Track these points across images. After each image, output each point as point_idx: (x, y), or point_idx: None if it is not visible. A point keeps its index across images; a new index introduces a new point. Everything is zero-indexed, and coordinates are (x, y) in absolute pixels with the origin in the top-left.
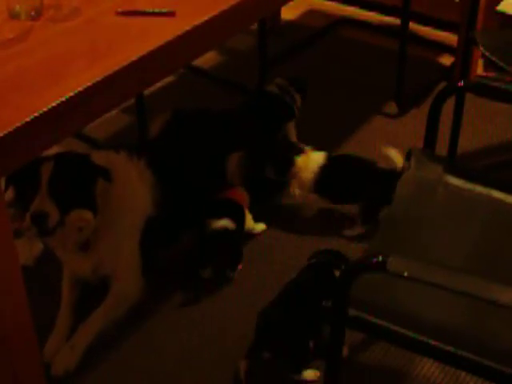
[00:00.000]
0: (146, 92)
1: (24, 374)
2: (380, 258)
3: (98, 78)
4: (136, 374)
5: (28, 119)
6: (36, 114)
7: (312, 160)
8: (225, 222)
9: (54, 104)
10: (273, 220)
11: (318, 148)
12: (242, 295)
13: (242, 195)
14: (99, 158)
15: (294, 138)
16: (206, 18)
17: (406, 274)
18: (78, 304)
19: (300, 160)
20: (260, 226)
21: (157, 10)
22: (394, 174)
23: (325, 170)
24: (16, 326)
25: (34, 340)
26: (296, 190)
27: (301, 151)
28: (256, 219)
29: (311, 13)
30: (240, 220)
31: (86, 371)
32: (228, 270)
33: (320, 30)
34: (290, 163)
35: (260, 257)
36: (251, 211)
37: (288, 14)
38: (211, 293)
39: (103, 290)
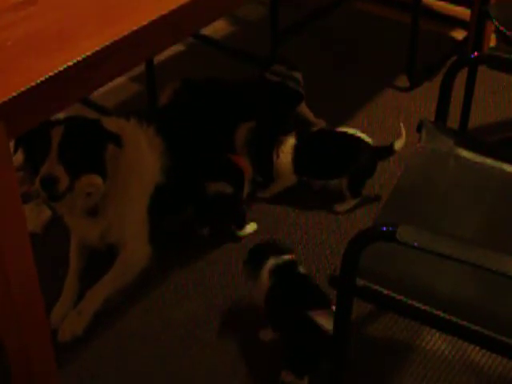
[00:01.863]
0: (156, 61)
1: (32, 340)
2: (390, 228)
3: (109, 42)
4: (142, 341)
5: (38, 82)
6: (46, 77)
7: (286, 144)
8: (221, 186)
9: (63, 67)
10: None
11: (329, 122)
12: None
13: (244, 163)
14: (109, 123)
15: (311, 117)
16: None
17: (415, 244)
18: (85, 271)
19: (277, 148)
20: (251, 227)
21: None
22: (373, 147)
23: (299, 150)
24: (24, 292)
25: (42, 306)
26: (281, 179)
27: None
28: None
29: None
30: (239, 183)
31: (92, 337)
32: (234, 229)
33: (332, 2)
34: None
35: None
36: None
37: None
38: (219, 261)
39: (111, 257)
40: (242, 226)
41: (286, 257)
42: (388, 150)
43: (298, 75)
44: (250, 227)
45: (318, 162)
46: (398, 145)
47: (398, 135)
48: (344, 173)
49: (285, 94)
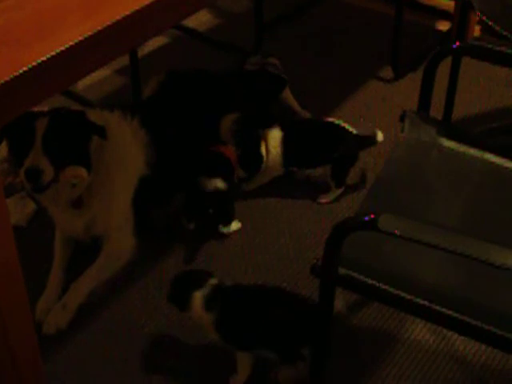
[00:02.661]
0: (140, 53)
1: (15, 333)
2: (372, 216)
3: (90, 33)
4: (127, 333)
5: (19, 73)
6: (26, 69)
7: (274, 138)
8: (216, 182)
9: (44, 58)
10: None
11: (314, 113)
12: (237, 256)
13: (231, 152)
14: (94, 115)
15: (295, 104)
16: None
17: (397, 233)
18: (69, 264)
19: (265, 143)
20: (235, 225)
21: None
22: (356, 137)
23: (285, 141)
24: (7, 285)
25: (26, 299)
26: (268, 171)
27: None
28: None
29: None
30: (230, 176)
31: (77, 330)
32: (221, 226)
33: None
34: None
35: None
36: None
37: None
38: (204, 253)
39: (95, 249)
40: (229, 223)
41: (210, 282)
42: (371, 140)
43: (276, 61)
44: (235, 225)
45: (303, 152)
46: (381, 135)
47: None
48: (328, 161)
49: (268, 80)
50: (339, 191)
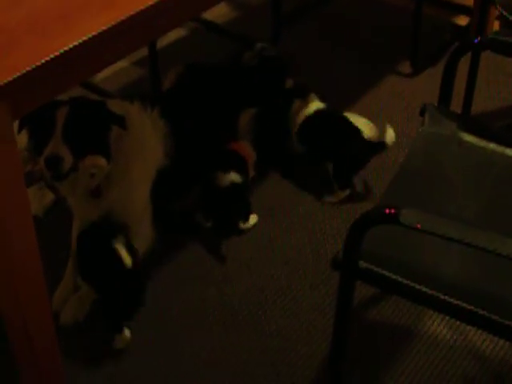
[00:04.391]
0: (159, 45)
1: (34, 323)
2: (393, 210)
3: (111, 24)
4: (143, 325)
5: (42, 62)
6: (50, 58)
7: (308, 107)
8: (232, 176)
9: (68, 48)
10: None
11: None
12: (254, 250)
13: (247, 150)
14: (114, 105)
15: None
16: None
17: (419, 227)
18: None
19: (298, 103)
20: (253, 219)
21: None
22: (370, 144)
23: (309, 120)
24: (27, 275)
25: (44, 289)
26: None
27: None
28: None
29: None
30: (244, 170)
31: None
32: (240, 222)
33: None
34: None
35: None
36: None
37: None
38: (222, 247)
39: None
40: (247, 218)
41: None
42: (380, 146)
43: (267, 45)
44: (252, 219)
45: (315, 138)
46: (389, 138)
47: (384, 131)
48: (329, 158)
49: (273, 68)
50: (344, 194)
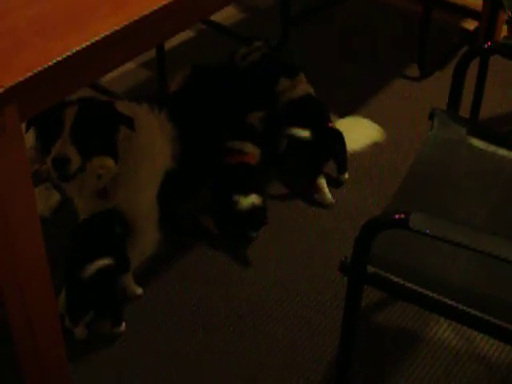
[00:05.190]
0: (167, 47)
1: (39, 324)
2: (402, 215)
3: (121, 25)
4: (148, 327)
5: (51, 64)
6: (59, 59)
7: (294, 90)
8: (253, 199)
9: (76, 49)
10: None
11: (339, 110)
12: (262, 254)
13: (251, 156)
14: (122, 107)
15: (310, 89)
16: None
17: (428, 232)
18: None
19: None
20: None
21: None
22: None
23: (292, 104)
24: (33, 276)
25: (51, 290)
26: None
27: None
28: None
29: None
30: (262, 186)
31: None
32: (251, 231)
33: None
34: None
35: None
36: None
37: None
38: (229, 250)
39: None
40: (259, 229)
41: None
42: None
43: (259, 43)
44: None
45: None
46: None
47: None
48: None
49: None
50: (321, 184)
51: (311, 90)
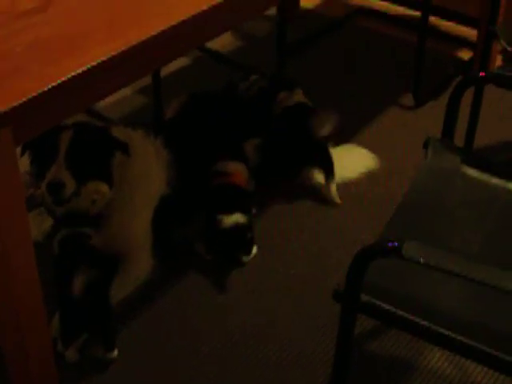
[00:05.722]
0: (163, 74)
1: (33, 348)
2: (395, 244)
3: (117, 51)
4: (143, 353)
5: (46, 88)
6: (54, 84)
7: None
8: (237, 217)
9: (72, 74)
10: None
11: (334, 138)
12: (255, 279)
13: (239, 175)
14: (117, 132)
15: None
16: None
17: (422, 261)
18: None
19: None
20: (254, 250)
21: None
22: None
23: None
24: (26, 300)
25: (44, 313)
26: None
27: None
28: None
29: (330, 2)
30: (249, 208)
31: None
32: (242, 256)
33: (338, 20)
34: None
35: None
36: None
37: (307, 2)
38: (222, 276)
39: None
40: (249, 252)
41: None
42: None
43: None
44: (253, 250)
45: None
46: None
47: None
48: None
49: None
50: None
51: (307, 101)
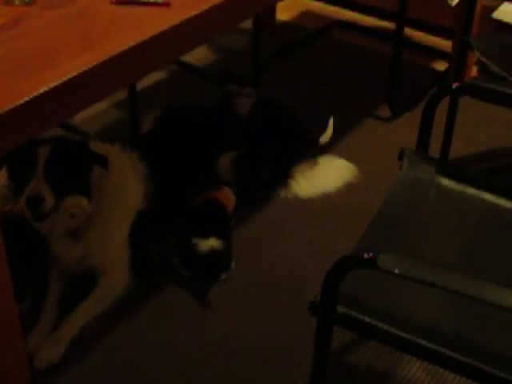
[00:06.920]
0: (139, 87)
1: (8, 365)
2: (371, 254)
3: (91, 65)
4: (120, 368)
5: (20, 103)
6: (26, 99)
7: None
8: (213, 242)
9: (45, 89)
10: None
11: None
12: (233, 293)
13: (228, 196)
14: (95, 146)
15: None
16: (200, 9)
17: (397, 271)
18: (63, 297)
19: None
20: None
21: (152, 0)
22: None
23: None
24: (1, 316)
25: (19, 331)
26: None
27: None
28: None
29: (306, 14)
30: (226, 232)
31: (69, 364)
32: (220, 274)
33: (314, 32)
34: None
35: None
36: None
37: (283, 14)
38: (199, 291)
39: (90, 284)
40: (227, 269)
41: None
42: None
43: (250, 90)
44: (231, 266)
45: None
46: (324, 138)
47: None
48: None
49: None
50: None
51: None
